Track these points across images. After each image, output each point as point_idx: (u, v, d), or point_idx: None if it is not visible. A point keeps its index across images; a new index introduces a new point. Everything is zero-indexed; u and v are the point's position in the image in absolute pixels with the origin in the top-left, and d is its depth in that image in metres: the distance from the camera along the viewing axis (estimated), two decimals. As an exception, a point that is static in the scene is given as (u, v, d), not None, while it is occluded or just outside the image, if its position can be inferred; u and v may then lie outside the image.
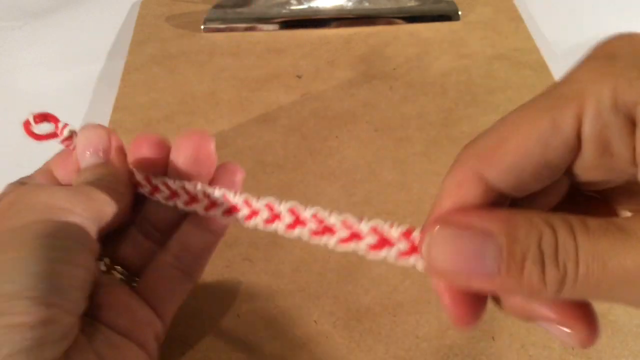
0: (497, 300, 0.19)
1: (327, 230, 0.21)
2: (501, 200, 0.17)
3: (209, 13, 0.53)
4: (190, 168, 0.24)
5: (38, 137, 0.25)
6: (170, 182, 0.25)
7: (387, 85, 0.47)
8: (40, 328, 0.18)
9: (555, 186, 0.18)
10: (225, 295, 0.33)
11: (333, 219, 0.21)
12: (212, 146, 0.25)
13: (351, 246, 0.21)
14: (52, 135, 0.26)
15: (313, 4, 0.53)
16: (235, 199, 0.24)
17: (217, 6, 0.54)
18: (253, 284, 0.33)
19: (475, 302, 0.18)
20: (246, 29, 0.53)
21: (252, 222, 0.23)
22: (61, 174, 0.25)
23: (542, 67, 0.48)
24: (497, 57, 0.49)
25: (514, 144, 0.16)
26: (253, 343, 0.31)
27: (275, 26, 0.53)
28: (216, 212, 0.24)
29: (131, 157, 0.25)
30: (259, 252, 0.35)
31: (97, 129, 0.25)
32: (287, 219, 0.22)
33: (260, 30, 0.53)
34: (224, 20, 0.53)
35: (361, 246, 0.20)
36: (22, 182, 0.24)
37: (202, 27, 0.53)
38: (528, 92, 0.45)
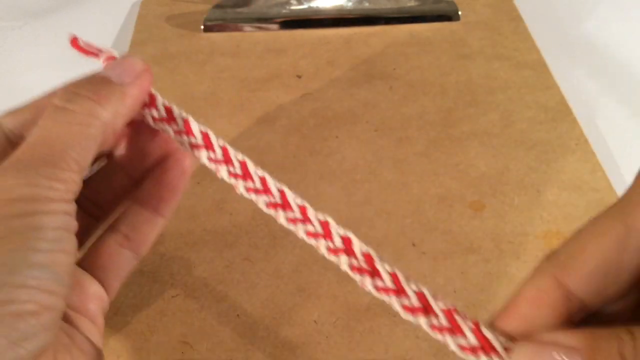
0: None
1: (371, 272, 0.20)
2: (578, 311, 0.18)
3: (209, 13, 0.53)
4: None
5: (85, 51, 0.25)
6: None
7: (387, 85, 0.47)
8: (44, 315, 0.18)
9: (629, 296, 0.19)
10: (225, 295, 0.33)
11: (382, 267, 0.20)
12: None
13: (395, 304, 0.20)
14: (95, 54, 0.25)
15: (313, 4, 0.53)
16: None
17: (217, 6, 0.54)
18: (253, 284, 0.33)
19: None
20: (246, 29, 0.53)
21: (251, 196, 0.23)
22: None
23: (542, 67, 0.48)
24: (497, 57, 0.49)
25: (593, 250, 0.17)
26: (253, 343, 0.31)
27: (275, 26, 0.53)
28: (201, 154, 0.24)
29: None
30: (259, 252, 0.35)
31: (135, 59, 0.24)
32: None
33: (260, 30, 0.53)
34: (224, 20, 0.53)
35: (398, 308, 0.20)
36: None
37: (202, 27, 0.53)
38: (528, 92, 0.46)
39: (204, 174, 0.39)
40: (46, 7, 0.58)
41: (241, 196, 0.23)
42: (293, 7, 0.54)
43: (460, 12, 0.53)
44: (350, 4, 0.54)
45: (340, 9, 0.53)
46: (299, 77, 0.48)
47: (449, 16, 0.53)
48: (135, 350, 0.31)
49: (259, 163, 0.41)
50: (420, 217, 0.37)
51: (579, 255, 0.18)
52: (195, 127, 0.24)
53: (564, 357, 0.16)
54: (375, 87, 0.46)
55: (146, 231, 0.26)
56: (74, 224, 0.20)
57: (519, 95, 0.45)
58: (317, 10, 0.53)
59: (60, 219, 0.19)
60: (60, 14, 0.57)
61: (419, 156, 0.41)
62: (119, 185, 0.26)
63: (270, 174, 0.40)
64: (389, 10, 0.53)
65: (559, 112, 0.44)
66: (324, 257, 0.35)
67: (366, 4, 0.54)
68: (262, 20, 0.53)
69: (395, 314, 0.32)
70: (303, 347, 0.31)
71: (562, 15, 0.55)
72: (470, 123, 0.43)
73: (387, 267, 0.20)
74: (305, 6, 0.54)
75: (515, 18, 0.53)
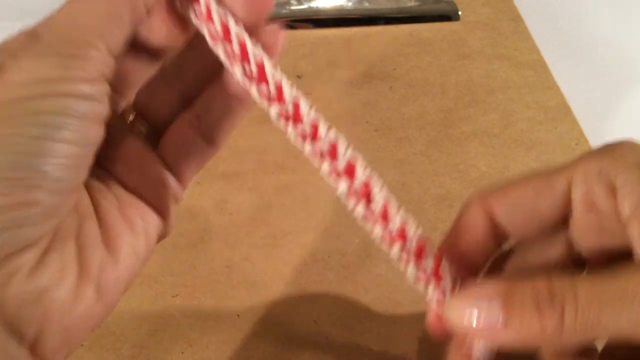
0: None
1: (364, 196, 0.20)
2: (503, 238, 0.22)
3: (209, 13, 0.53)
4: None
5: None
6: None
7: (387, 85, 0.47)
8: (19, 210, 0.17)
9: (552, 245, 0.22)
10: (225, 295, 0.33)
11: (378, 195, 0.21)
12: None
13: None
14: None
15: (313, 4, 0.54)
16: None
17: (217, 6, 0.54)
18: (253, 284, 0.33)
19: None
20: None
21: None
22: None
23: (542, 67, 0.48)
24: (497, 57, 0.49)
25: (515, 189, 0.21)
26: (253, 343, 0.31)
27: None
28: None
29: None
30: (259, 252, 0.35)
31: None
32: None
33: (260, 30, 0.53)
34: (224, 20, 0.53)
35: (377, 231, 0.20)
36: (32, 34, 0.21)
37: (202, 27, 0.53)
38: (528, 92, 0.46)
39: (204, 174, 0.39)
40: (47, 7, 0.58)
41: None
42: (293, 7, 0.54)
43: (460, 12, 0.53)
44: (350, 4, 0.54)
45: (340, 9, 0.53)
46: (299, 77, 0.48)
47: (449, 16, 0.53)
48: (136, 350, 0.31)
49: (259, 163, 0.41)
50: (420, 217, 0.37)
51: (502, 192, 0.21)
52: (233, 30, 0.20)
53: (488, 303, 0.18)
54: (375, 87, 0.46)
55: (218, 112, 0.23)
56: (100, 110, 0.19)
57: (519, 95, 0.45)
58: (317, 10, 0.53)
59: (83, 104, 0.18)
60: (60, 14, 0.57)
61: (419, 156, 0.41)
62: (174, 93, 0.24)
63: (271, 174, 0.40)
64: (389, 10, 0.53)
65: (559, 112, 0.44)
66: (324, 257, 0.35)
67: (366, 4, 0.54)
68: (262, 20, 0.53)
69: (395, 314, 0.32)
70: (303, 347, 0.31)
71: (562, 15, 0.55)
72: (470, 123, 0.43)
73: (383, 195, 0.21)
74: (305, 6, 0.54)
75: (515, 18, 0.53)
